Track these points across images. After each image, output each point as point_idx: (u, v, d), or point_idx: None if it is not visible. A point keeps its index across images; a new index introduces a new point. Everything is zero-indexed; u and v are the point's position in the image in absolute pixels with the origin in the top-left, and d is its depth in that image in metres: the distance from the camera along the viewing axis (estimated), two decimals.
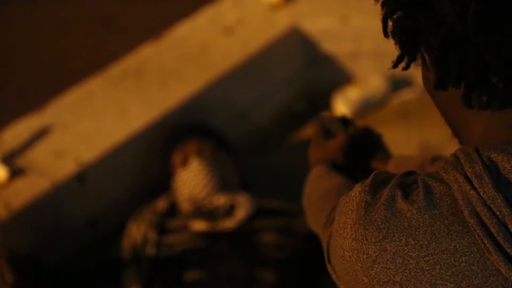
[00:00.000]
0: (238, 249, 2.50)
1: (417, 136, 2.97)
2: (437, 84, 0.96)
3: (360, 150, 1.52)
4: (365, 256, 0.93)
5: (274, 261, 2.50)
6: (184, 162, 2.73)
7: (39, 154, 2.71)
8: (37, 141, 2.73)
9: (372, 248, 0.92)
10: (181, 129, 2.83)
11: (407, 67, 0.99)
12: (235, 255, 2.48)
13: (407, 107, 3.08)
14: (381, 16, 0.98)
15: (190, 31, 3.12)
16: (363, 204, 0.95)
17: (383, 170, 1.02)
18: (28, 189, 2.61)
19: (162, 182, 2.77)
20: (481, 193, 0.88)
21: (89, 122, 2.82)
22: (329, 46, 3.16)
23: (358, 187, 0.97)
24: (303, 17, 3.13)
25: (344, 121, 1.56)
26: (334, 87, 3.18)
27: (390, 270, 0.91)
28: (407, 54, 0.98)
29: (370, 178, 0.98)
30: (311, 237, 2.47)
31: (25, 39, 3.69)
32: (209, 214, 2.59)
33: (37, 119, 2.81)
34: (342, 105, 3.11)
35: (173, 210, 2.69)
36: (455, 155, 0.94)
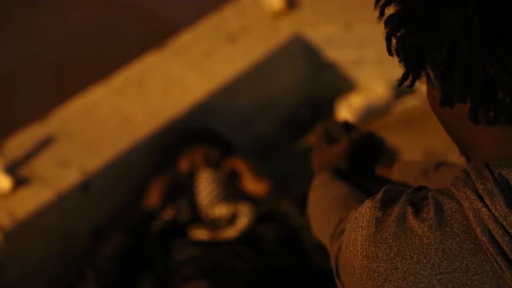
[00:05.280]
0: (240, 257, 2.49)
1: (421, 143, 2.97)
2: (443, 100, 0.95)
3: (363, 155, 1.49)
4: (376, 274, 0.92)
5: (277, 269, 2.49)
6: (191, 169, 2.72)
7: (43, 163, 2.70)
8: (41, 150, 2.73)
9: (383, 266, 0.91)
10: (189, 134, 2.82)
11: (411, 85, 0.98)
12: (237, 264, 2.47)
13: (411, 114, 3.08)
14: (384, 35, 0.97)
15: (193, 39, 3.11)
16: (374, 221, 0.93)
17: (393, 185, 1.00)
18: (32, 199, 2.60)
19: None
20: (493, 210, 0.87)
21: (93, 130, 2.81)
22: (333, 53, 3.16)
23: (368, 203, 0.96)
24: (306, 24, 3.12)
25: (347, 126, 1.54)
26: (337, 94, 3.18)
27: None
28: (411, 72, 0.97)
29: (381, 193, 0.97)
30: (314, 245, 2.46)
31: (28, 48, 3.69)
32: (210, 223, 2.59)
33: (41, 128, 2.80)
34: (346, 112, 3.10)
35: (179, 217, 2.68)
36: (465, 171, 0.93)
